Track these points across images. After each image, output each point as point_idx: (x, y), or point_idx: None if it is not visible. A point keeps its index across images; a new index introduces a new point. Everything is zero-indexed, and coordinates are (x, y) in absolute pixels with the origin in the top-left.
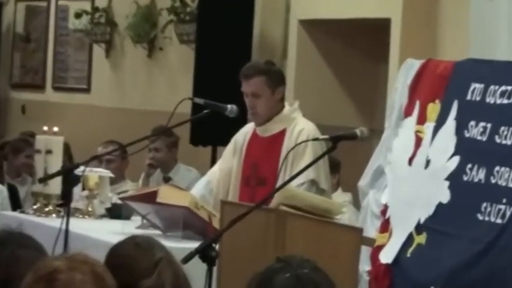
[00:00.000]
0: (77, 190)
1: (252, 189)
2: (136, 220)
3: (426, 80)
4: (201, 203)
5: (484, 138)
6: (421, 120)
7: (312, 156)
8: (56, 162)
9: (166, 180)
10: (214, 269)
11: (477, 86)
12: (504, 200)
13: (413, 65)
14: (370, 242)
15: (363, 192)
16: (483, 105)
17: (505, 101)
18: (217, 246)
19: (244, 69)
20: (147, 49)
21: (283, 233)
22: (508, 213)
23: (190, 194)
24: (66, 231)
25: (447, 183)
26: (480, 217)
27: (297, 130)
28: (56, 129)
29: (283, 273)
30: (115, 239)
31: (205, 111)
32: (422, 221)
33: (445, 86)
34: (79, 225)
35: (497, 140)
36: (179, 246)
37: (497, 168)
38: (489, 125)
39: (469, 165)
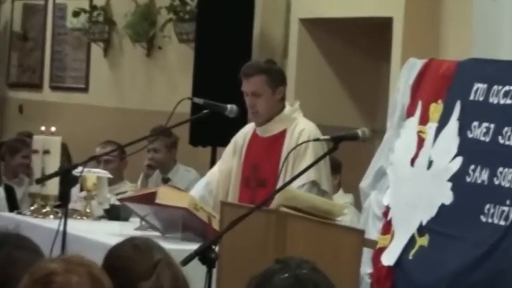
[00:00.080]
0: (74, 191)
1: (252, 190)
2: (135, 221)
3: (428, 80)
4: (200, 204)
5: (487, 139)
6: (424, 120)
7: (313, 157)
8: (53, 163)
9: (166, 181)
10: (214, 271)
11: (480, 86)
12: (508, 202)
13: (416, 64)
14: (371, 244)
15: (365, 193)
16: (486, 105)
17: (509, 101)
18: (217, 248)
19: (245, 67)
20: (146, 48)
21: (283, 234)
22: (511, 215)
23: (190, 195)
24: (64, 232)
25: (450, 184)
26: (483, 219)
27: (297, 130)
28: (53, 129)
29: (282, 274)
30: (113, 241)
31: (204, 111)
32: (424, 223)
33: (448, 86)
34: (77, 227)
35: (501, 141)
36: (178, 248)
37: (500, 169)
38: (492, 126)
39: (472, 166)
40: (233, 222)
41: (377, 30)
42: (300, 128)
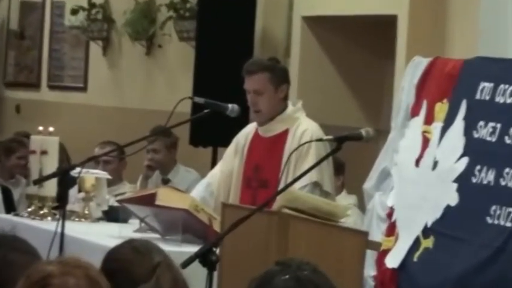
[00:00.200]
0: (73, 192)
1: (254, 191)
2: (134, 223)
3: (434, 79)
4: (201, 206)
5: (494, 139)
6: (429, 120)
7: (316, 157)
8: (51, 164)
9: (165, 182)
10: (215, 273)
11: (486, 85)
12: None
13: (421, 63)
14: (375, 246)
15: (368, 194)
16: (492, 104)
17: None
18: (217, 250)
19: (248, 65)
20: (145, 46)
21: (285, 236)
22: None
23: (190, 196)
24: (62, 234)
25: (455, 185)
26: (489, 220)
27: (300, 130)
28: (51, 129)
29: (282, 275)
30: (112, 243)
31: (205, 110)
32: (429, 225)
33: (453, 85)
34: (75, 229)
35: (507, 141)
36: (178, 250)
37: (507, 169)
38: (499, 126)
39: (478, 167)
40: (234, 224)
41: (381, 28)
42: (302, 128)
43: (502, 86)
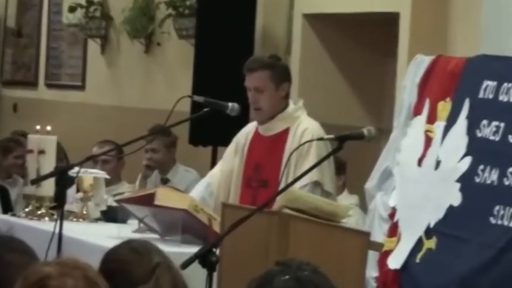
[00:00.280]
0: (70, 192)
1: (254, 190)
2: (133, 223)
3: (436, 77)
4: (200, 206)
5: (497, 138)
6: (431, 119)
7: (316, 156)
8: (49, 163)
9: (165, 181)
10: (215, 274)
11: (490, 84)
12: None
13: (423, 61)
14: (377, 246)
15: (370, 194)
16: (496, 103)
17: None
18: (217, 251)
19: (248, 62)
20: (144, 44)
21: (286, 237)
22: None
23: (190, 196)
24: (60, 235)
25: (458, 185)
26: (493, 220)
27: (300, 129)
28: (49, 128)
29: (282, 276)
30: (110, 244)
31: (205, 109)
32: (432, 225)
33: (456, 83)
34: (73, 229)
35: (511, 140)
36: (178, 250)
37: (510, 169)
38: (502, 125)
39: (481, 166)
40: (234, 224)
41: (383, 26)
42: (303, 126)
43: (505, 84)
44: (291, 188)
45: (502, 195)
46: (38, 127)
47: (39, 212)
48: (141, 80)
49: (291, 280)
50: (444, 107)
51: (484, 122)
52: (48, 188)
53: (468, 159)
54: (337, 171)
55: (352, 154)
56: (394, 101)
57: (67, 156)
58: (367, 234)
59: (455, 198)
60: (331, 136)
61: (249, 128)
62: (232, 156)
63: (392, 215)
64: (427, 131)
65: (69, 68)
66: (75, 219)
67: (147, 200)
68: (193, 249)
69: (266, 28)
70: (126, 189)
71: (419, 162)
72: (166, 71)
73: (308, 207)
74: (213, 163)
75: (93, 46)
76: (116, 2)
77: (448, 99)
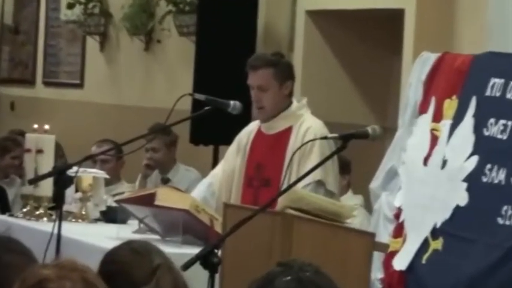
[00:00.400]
0: (69, 192)
1: (255, 190)
2: (133, 224)
3: (442, 75)
4: (202, 206)
5: (505, 137)
6: (437, 117)
7: (319, 156)
8: (47, 163)
9: (165, 181)
10: (216, 276)
11: (497, 81)
12: None
13: (429, 58)
14: (382, 247)
15: (375, 194)
16: (503, 101)
17: None
18: (219, 252)
19: (251, 60)
20: (144, 42)
21: (289, 237)
22: None
23: (191, 196)
24: (58, 236)
25: (465, 184)
26: (500, 221)
27: (303, 128)
28: (47, 127)
29: (284, 277)
30: (110, 245)
31: (206, 108)
32: (438, 225)
33: (463, 81)
34: (72, 230)
35: None
36: (179, 252)
37: None
38: (510, 123)
39: (489, 166)
40: (236, 224)
41: (388, 23)
42: (306, 125)
43: None
44: (294, 187)
45: (509, 195)
46: (36, 126)
47: (37, 213)
48: (140, 78)
49: (293, 281)
50: (450, 105)
51: (491, 120)
52: (47, 188)
53: (475, 159)
54: (341, 170)
55: (357, 153)
56: (399, 99)
57: (65, 156)
58: (372, 235)
59: (462, 198)
60: (335, 135)
61: (252, 127)
62: (234, 156)
63: (397, 215)
64: (433, 129)
65: (67, 66)
66: (74, 220)
67: (147, 200)
68: (194, 250)
69: (268, 25)
70: (125, 189)
71: (425, 161)
72: (167, 68)
73: (312, 207)
74: (215, 162)
75: (92, 43)
76: None
77: (454, 97)
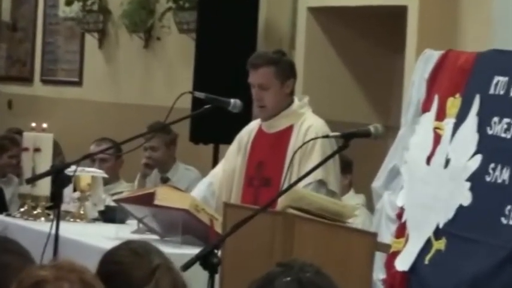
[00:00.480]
0: (67, 191)
1: (255, 189)
2: (132, 224)
3: (446, 73)
4: (202, 206)
5: (508, 136)
6: (440, 116)
7: (321, 155)
8: (45, 161)
9: (164, 180)
10: (216, 276)
11: (501, 79)
12: None
13: (432, 56)
14: (385, 247)
15: (377, 194)
16: (507, 99)
17: None
18: (219, 252)
19: (253, 58)
20: (143, 39)
21: (290, 238)
22: None
23: (191, 196)
24: (56, 236)
25: (468, 184)
26: (504, 221)
27: (304, 127)
28: (45, 125)
29: (284, 277)
30: (109, 245)
31: (206, 106)
32: (441, 226)
33: (466, 79)
34: (70, 230)
35: None
36: (178, 252)
37: None
38: None
39: (492, 165)
40: (237, 224)
41: (390, 20)
42: (307, 124)
43: None
44: (295, 187)
45: None
46: (34, 124)
47: (34, 212)
48: (140, 75)
49: (293, 282)
50: (454, 104)
51: (495, 118)
52: (44, 187)
53: (478, 158)
54: (343, 170)
55: (359, 152)
56: (402, 97)
57: (63, 155)
58: (374, 235)
59: (465, 198)
60: (337, 133)
61: (252, 126)
62: (235, 155)
63: (400, 215)
64: (436, 128)
65: (65, 63)
66: (72, 220)
67: (146, 200)
68: (194, 251)
69: (269, 22)
70: (124, 188)
71: (428, 160)
72: (166, 66)
73: (313, 207)
74: (215, 161)
75: (91, 40)
76: None
77: (457, 95)
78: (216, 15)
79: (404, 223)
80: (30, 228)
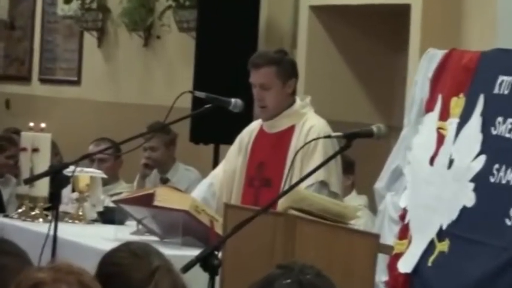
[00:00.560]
0: (66, 192)
1: (256, 190)
2: (131, 225)
3: (449, 72)
4: (202, 207)
5: None
6: (444, 116)
7: (323, 155)
8: (43, 162)
9: (164, 181)
10: (217, 278)
11: (505, 79)
12: None
13: (435, 55)
14: (387, 249)
15: (380, 195)
16: None
17: None
18: (220, 254)
19: (254, 57)
20: (143, 38)
21: (292, 239)
22: None
23: (191, 197)
24: (54, 237)
25: (472, 185)
26: (508, 222)
27: (306, 127)
28: (43, 125)
29: (284, 279)
30: (108, 246)
31: (207, 105)
32: (444, 227)
33: (470, 78)
34: (68, 231)
35: None
36: (178, 253)
37: None
38: None
39: (497, 166)
40: (238, 226)
41: (394, 18)
42: (309, 124)
43: None
44: (297, 188)
45: None
46: (32, 124)
47: (32, 213)
48: (139, 75)
49: (293, 284)
50: (457, 103)
51: (500, 118)
52: (42, 187)
53: (483, 158)
54: (345, 170)
55: (361, 153)
56: (405, 96)
57: (61, 155)
58: (376, 237)
59: (469, 199)
60: (339, 134)
61: (253, 126)
62: (236, 155)
63: (403, 216)
64: (439, 128)
65: (64, 62)
66: (70, 221)
67: (146, 201)
68: (194, 252)
69: (271, 20)
70: (123, 189)
71: (431, 161)
72: (166, 65)
73: (315, 208)
74: (215, 162)
75: (90, 39)
76: None
77: (461, 95)
78: (217, 14)
79: (407, 224)
80: (28, 230)
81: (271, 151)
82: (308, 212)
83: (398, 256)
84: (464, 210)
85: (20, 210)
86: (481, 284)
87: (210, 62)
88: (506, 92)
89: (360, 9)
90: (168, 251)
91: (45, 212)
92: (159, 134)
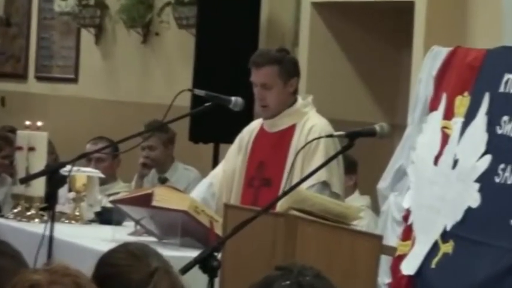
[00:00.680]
0: (62, 192)
1: (255, 190)
2: (129, 226)
3: (454, 70)
4: (201, 207)
5: None
6: (448, 114)
7: (324, 155)
8: (39, 161)
9: (163, 181)
10: (216, 280)
11: (511, 77)
12: None
13: (440, 53)
14: (390, 250)
15: (383, 195)
16: None
17: None
18: (219, 255)
19: (255, 56)
20: (141, 34)
21: (293, 240)
22: None
23: (190, 197)
24: (50, 238)
25: (477, 185)
26: None
27: (307, 126)
28: (39, 123)
29: (283, 281)
30: (105, 247)
31: (206, 104)
32: (449, 228)
33: (475, 76)
34: (65, 231)
35: None
36: (177, 254)
37: None
38: None
39: (502, 166)
40: (238, 226)
41: (397, 15)
42: (310, 123)
43: None
44: (298, 188)
45: None
46: (28, 123)
47: (28, 213)
48: (138, 72)
49: (292, 286)
50: (462, 102)
51: (505, 118)
52: (39, 187)
53: (488, 158)
54: (347, 170)
55: (364, 152)
56: (409, 95)
57: (55, 152)
58: (379, 238)
59: (474, 200)
60: (341, 133)
61: (254, 125)
62: (236, 155)
63: (406, 217)
64: (443, 127)
65: (61, 60)
66: (67, 221)
67: (144, 201)
68: (193, 253)
69: (272, 17)
70: (121, 188)
71: (436, 160)
72: (165, 63)
73: (316, 208)
74: (215, 161)
75: (87, 36)
76: None
77: (466, 93)
78: (217, 10)
79: (411, 225)
80: (24, 230)
81: (272, 151)
82: (309, 212)
83: (401, 258)
84: (469, 211)
85: (15, 211)
86: (485, 286)
87: (209, 59)
88: (511, 90)
89: (362, 6)
90: (166, 252)
91: (41, 212)
92: (157, 132)
